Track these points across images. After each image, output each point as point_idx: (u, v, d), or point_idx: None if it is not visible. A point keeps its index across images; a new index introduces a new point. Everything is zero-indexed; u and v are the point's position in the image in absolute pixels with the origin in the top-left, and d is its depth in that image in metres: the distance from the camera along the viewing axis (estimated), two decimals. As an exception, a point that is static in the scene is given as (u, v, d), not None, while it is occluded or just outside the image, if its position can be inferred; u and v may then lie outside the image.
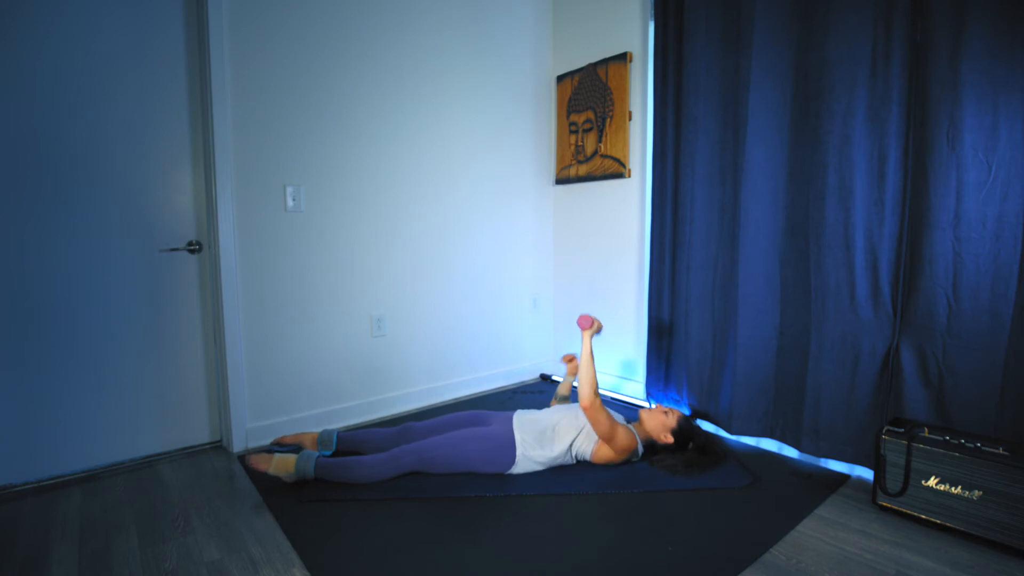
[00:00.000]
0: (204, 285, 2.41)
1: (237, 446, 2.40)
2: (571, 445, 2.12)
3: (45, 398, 2.09)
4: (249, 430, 2.43)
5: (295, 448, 2.33)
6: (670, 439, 2.19)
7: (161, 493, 2.02)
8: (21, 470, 2.07)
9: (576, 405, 2.21)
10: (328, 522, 1.79)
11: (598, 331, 2.23)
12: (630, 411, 2.84)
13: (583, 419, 2.13)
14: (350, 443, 2.27)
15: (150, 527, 1.79)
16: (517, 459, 2.07)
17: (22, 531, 1.77)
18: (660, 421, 2.22)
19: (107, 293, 2.19)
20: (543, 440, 2.10)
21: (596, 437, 2.11)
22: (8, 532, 1.76)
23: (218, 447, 2.46)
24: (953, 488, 1.73)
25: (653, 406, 2.50)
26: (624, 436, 2.10)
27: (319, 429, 2.51)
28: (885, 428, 1.90)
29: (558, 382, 3.45)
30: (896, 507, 1.85)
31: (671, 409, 2.27)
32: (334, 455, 2.25)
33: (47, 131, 2.04)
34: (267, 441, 2.46)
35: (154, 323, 2.30)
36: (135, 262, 2.24)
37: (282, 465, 1.97)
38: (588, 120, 3.20)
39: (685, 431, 2.22)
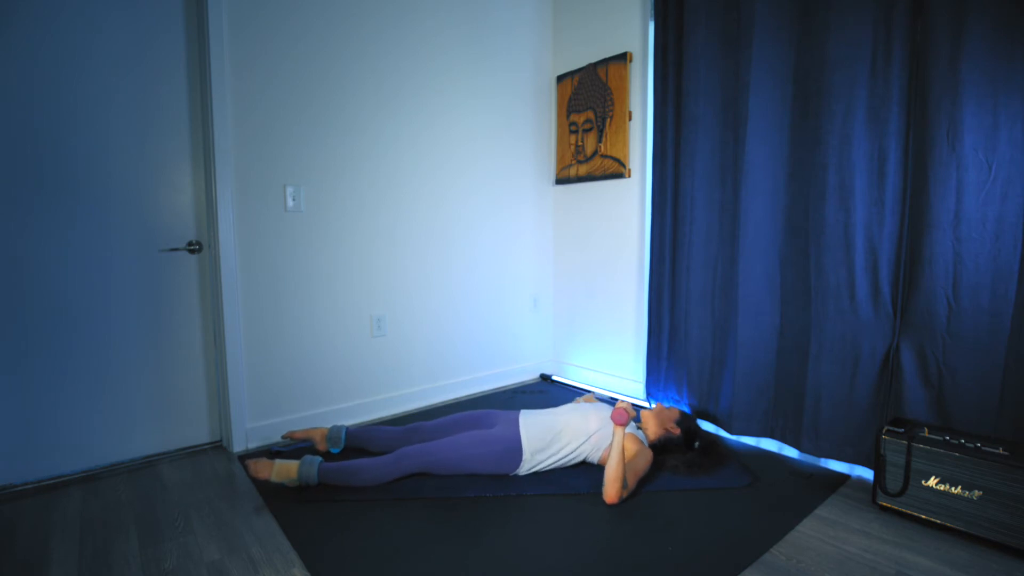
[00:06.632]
0: (204, 285, 2.41)
1: (237, 446, 2.40)
2: (578, 448, 2.11)
3: (45, 398, 2.09)
4: (249, 430, 2.43)
5: (305, 444, 2.34)
6: (676, 430, 2.18)
7: (161, 493, 2.02)
8: (21, 470, 2.07)
9: (586, 407, 2.20)
10: (328, 522, 1.79)
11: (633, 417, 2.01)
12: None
13: (593, 425, 2.11)
14: (358, 440, 2.28)
15: (150, 527, 1.79)
16: (523, 462, 2.07)
17: (22, 531, 1.77)
18: (663, 415, 2.22)
19: (107, 293, 2.19)
20: (550, 443, 2.09)
21: (607, 444, 2.08)
22: (8, 532, 1.76)
23: (218, 447, 2.46)
24: (953, 488, 1.73)
25: (653, 406, 2.49)
26: (644, 463, 2.00)
27: (328, 426, 2.51)
28: (885, 428, 1.90)
29: (558, 382, 3.45)
30: (896, 507, 1.85)
31: (670, 407, 2.29)
32: (343, 452, 2.26)
33: (47, 131, 2.04)
34: (267, 441, 2.47)
35: (154, 323, 2.30)
36: (135, 262, 2.24)
37: (283, 472, 1.96)
38: (588, 120, 3.20)
39: (692, 429, 2.22)
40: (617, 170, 3.06)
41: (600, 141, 3.14)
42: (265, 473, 1.96)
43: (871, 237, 2.06)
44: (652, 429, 2.21)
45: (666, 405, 2.31)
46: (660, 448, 2.23)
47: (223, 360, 2.37)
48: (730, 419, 2.49)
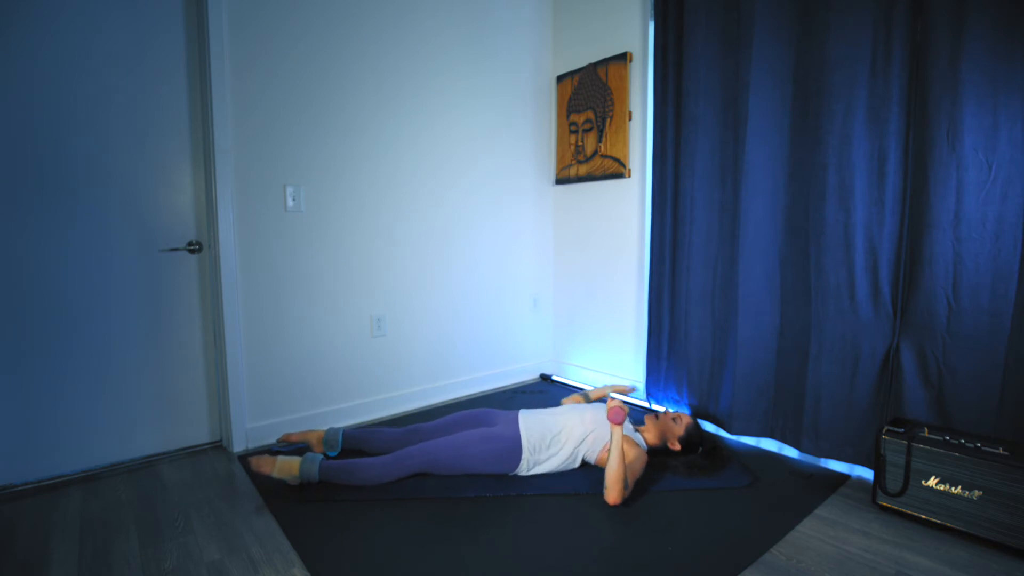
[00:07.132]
0: (204, 285, 2.41)
1: (237, 446, 2.40)
2: (575, 450, 2.11)
3: (45, 398, 2.09)
4: (249, 430, 2.43)
5: (301, 446, 2.33)
6: (678, 447, 2.19)
7: (161, 493, 2.02)
8: (21, 470, 2.07)
9: (581, 407, 2.21)
10: (328, 522, 1.79)
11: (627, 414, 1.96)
12: (633, 412, 2.84)
13: (589, 424, 2.11)
14: (356, 442, 2.27)
15: (150, 527, 1.79)
16: (522, 461, 2.07)
17: (22, 531, 1.77)
18: (669, 428, 2.21)
19: (107, 293, 2.19)
20: (549, 443, 2.09)
21: (602, 444, 2.09)
22: (8, 532, 1.76)
23: (218, 447, 2.46)
24: (953, 488, 1.73)
25: (661, 411, 2.49)
26: (640, 465, 1.99)
27: (324, 428, 2.51)
28: (885, 428, 1.90)
29: (558, 382, 3.45)
30: (896, 507, 1.85)
31: (680, 415, 2.26)
32: (340, 455, 2.25)
33: (47, 131, 2.04)
34: (267, 441, 2.47)
35: (154, 323, 2.30)
36: (135, 262, 2.24)
37: (285, 468, 1.97)
38: (588, 120, 3.20)
39: (694, 437, 2.22)
40: (617, 170, 3.06)
41: (600, 141, 3.14)
42: (267, 469, 1.96)
43: (871, 237, 2.07)
44: (651, 439, 2.21)
45: (674, 412, 2.28)
46: (658, 450, 2.23)
47: (223, 360, 2.37)
48: (730, 419, 2.49)
